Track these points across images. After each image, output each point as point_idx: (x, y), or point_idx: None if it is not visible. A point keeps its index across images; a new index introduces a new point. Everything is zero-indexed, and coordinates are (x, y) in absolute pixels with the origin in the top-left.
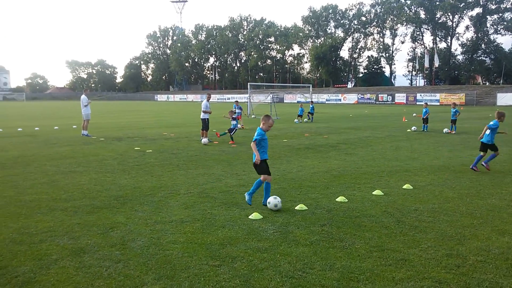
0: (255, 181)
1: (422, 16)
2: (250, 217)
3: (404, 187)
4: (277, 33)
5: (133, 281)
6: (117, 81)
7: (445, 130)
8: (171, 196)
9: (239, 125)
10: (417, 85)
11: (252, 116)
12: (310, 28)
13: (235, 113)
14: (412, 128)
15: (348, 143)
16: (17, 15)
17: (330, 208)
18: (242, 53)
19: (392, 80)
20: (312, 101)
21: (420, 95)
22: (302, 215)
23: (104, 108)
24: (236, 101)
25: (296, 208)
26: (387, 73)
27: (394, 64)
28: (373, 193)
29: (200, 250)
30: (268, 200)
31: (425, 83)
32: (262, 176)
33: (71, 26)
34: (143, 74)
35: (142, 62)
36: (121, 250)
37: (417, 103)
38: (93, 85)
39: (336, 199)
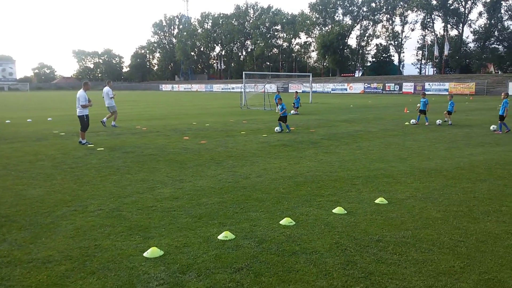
0: (195, 191)
1: (434, 2)
2: (145, 254)
3: (377, 201)
4: (284, 21)
5: None
6: (123, 70)
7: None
8: (71, 215)
9: None
10: (426, 74)
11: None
12: (317, 16)
13: None
14: (411, 121)
15: (332, 139)
16: (24, 5)
17: (265, 237)
18: (248, 42)
19: (401, 69)
20: (297, 92)
21: (429, 84)
22: (220, 249)
23: (95, 98)
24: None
25: (219, 237)
26: (396, 62)
27: (403, 52)
28: (334, 210)
29: None
30: None
31: (435, 72)
32: None
33: (78, 15)
34: (148, 64)
35: (148, 51)
36: None
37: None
38: (99, 74)
39: (280, 222)
